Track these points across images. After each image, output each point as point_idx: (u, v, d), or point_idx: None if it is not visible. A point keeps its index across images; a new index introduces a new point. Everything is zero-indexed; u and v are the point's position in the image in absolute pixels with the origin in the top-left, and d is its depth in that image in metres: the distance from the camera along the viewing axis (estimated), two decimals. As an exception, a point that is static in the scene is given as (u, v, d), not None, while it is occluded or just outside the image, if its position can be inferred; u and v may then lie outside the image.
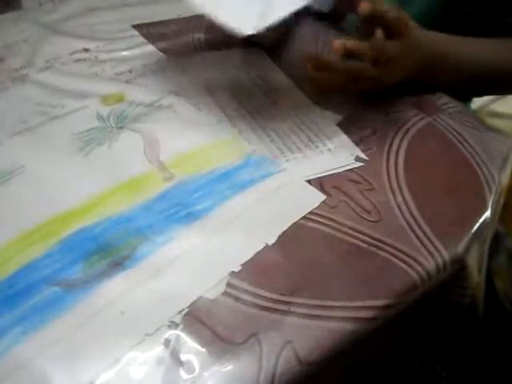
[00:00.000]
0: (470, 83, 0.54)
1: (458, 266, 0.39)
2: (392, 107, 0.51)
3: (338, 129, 0.48)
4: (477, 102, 0.90)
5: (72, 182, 0.42)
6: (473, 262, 0.40)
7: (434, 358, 0.44)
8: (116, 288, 0.33)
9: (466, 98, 0.70)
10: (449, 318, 0.43)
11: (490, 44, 0.54)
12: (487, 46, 0.54)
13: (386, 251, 0.37)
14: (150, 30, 0.64)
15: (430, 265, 0.37)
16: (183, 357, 0.31)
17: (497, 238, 0.79)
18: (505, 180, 0.47)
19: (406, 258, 0.37)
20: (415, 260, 0.37)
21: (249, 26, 0.41)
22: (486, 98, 0.89)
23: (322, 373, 0.32)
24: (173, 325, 0.32)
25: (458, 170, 0.45)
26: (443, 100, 0.53)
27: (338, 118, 0.50)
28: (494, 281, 0.84)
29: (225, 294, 0.34)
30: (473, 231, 0.40)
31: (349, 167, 0.44)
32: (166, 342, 0.31)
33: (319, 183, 0.42)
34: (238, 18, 0.42)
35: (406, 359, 0.43)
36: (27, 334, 0.31)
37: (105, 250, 0.36)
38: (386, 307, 0.34)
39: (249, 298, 0.34)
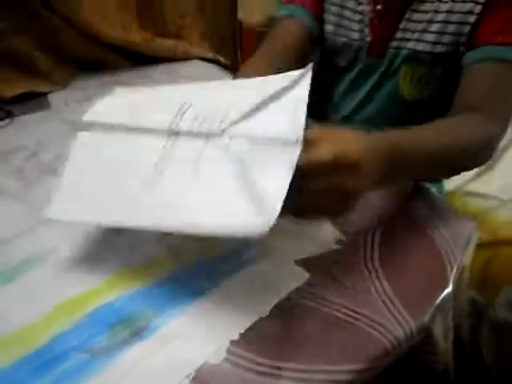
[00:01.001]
0: (432, 169, 0.57)
1: (425, 334, 0.45)
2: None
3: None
4: (454, 182, 0.98)
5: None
6: (438, 330, 0.47)
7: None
8: (136, 355, 0.40)
9: (434, 180, 0.79)
10: (424, 381, 0.49)
11: (442, 127, 0.57)
12: (438, 130, 0.56)
13: (361, 321, 0.44)
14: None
15: (399, 333, 0.43)
16: None
17: (478, 310, 0.85)
18: (467, 258, 0.54)
19: (378, 327, 0.44)
20: (386, 329, 0.44)
21: (262, 221, 0.38)
22: (462, 179, 0.98)
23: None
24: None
25: (425, 251, 0.52)
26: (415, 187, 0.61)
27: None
28: (482, 350, 0.89)
29: (225, 359, 0.41)
30: (436, 304, 0.47)
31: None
32: None
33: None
34: (239, 221, 0.40)
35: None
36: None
37: (125, 322, 0.43)
38: (362, 371, 0.41)
39: (245, 363, 0.40)
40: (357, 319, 0.44)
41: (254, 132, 0.44)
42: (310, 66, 0.46)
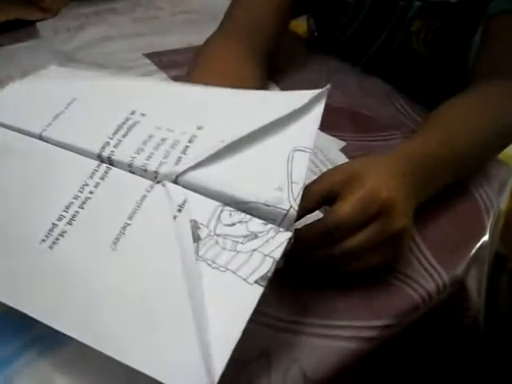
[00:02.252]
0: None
1: (458, 287, 0.40)
2: (392, 135, 0.54)
3: (342, 155, 0.51)
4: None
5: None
6: (472, 283, 0.42)
7: (438, 376, 0.46)
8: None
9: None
10: (452, 337, 0.45)
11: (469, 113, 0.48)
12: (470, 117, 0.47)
13: (388, 273, 0.39)
14: (162, 59, 0.67)
15: (431, 286, 0.39)
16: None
17: (499, 261, 0.81)
18: (503, 204, 0.49)
19: (407, 280, 0.39)
20: (416, 282, 0.39)
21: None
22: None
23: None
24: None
25: (458, 196, 0.47)
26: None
27: (342, 144, 0.52)
28: (498, 302, 0.85)
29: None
30: (471, 254, 0.42)
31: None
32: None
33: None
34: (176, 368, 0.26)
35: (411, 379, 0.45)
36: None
37: None
38: (387, 327, 0.36)
39: (258, 317, 0.36)
40: (384, 273, 0.39)
41: (228, 188, 0.31)
42: (327, 88, 0.35)
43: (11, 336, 0.34)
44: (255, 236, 0.30)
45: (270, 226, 0.30)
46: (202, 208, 0.31)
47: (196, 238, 0.29)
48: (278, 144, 0.33)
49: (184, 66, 0.65)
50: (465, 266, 0.41)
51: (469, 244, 0.42)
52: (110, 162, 0.33)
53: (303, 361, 0.33)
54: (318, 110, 0.34)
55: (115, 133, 0.34)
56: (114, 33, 0.74)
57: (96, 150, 0.33)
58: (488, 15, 0.53)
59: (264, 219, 0.30)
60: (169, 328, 0.27)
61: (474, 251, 0.42)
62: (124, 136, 0.34)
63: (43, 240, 0.31)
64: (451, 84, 0.57)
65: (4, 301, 0.29)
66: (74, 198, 0.32)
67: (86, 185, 0.32)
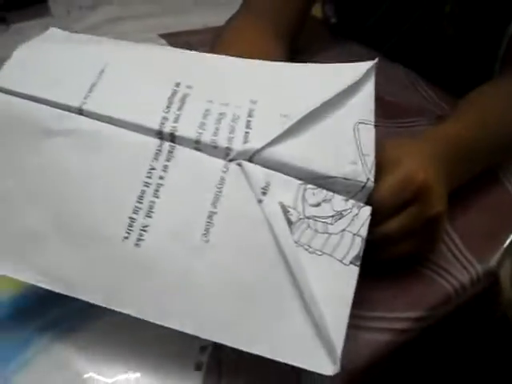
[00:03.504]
0: None
1: (492, 280, 0.39)
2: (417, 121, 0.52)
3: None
4: None
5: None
6: (505, 276, 0.40)
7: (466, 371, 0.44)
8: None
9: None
10: (482, 331, 0.43)
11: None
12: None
13: (420, 265, 0.37)
14: (176, 40, 0.65)
15: (465, 278, 0.37)
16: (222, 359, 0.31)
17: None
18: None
19: (440, 271, 0.37)
20: (449, 273, 0.37)
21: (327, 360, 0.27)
22: None
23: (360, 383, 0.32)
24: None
25: (490, 188, 0.45)
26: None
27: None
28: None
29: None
30: (505, 246, 0.40)
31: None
32: (203, 349, 0.31)
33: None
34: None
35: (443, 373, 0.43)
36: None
37: None
38: (420, 319, 0.34)
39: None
40: (417, 263, 0.37)
41: (309, 164, 0.30)
42: (376, 61, 0.35)
43: (27, 320, 0.32)
44: (341, 215, 0.30)
45: (351, 202, 0.30)
46: (285, 188, 0.29)
47: (289, 223, 0.28)
48: (342, 118, 0.32)
49: (200, 47, 0.63)
50: (498, 257, 0.39)
51: (501, 235, 0.41)
52: (172, 139, 0.30)
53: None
54: (371, 83, 0.34)
55: (168, 106, 0.31)
56: (128, 13, 0.72)
57: (155, 125, 0.30)
58: None
59: (342, 193, 0.30)
60: (280, 316, 0.27)
61: (507, 243, 0.40)
62: (179, 109, 0.31)
63: (126, 237, 0.28)
64: (478, 72, 0.55)
65: (95, 301, 0.28)
66: (145, 186, 0.29)
67: (153, 169, 0.29)
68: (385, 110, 0.52)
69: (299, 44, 0.60)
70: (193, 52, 0.36)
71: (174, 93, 0.32)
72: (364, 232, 0.29)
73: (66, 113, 0.30)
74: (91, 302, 0.28)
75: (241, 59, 0.36)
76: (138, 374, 0.30)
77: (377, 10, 0.66)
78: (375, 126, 0.49)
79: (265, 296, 0.28)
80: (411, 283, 0.36)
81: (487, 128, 0.42)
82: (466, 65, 0.62)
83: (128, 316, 0.27)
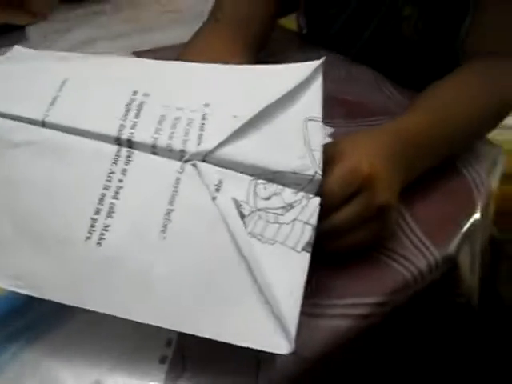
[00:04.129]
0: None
1: (450, 266, 0.40)
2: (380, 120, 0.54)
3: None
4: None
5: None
6: (465, 262, 0.42)
7: (433, 358, 0.45)
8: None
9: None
10: (447, 317, 0.44)
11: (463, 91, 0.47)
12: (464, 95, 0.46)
13: (378, 252, 0.39)
14: (150, 57, 0.67)
15: (422, 264, 0.38)
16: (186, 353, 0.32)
17: (497, 246, 0.81)
18: (494, 184, 0.48)
19: (397, 258, 0.38)
20: (407, 259, 0.38)
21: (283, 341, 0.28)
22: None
23: (321, 370, 0.33)
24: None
25: (447, 174, 0.46)
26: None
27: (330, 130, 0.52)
28: (499, 288, 0.85)
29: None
30: (463, 231, 0.41)
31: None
32: (168, 342, 0.33)
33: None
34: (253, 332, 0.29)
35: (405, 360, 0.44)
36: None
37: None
38: (379, 304, 0.36)
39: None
40: (374, 250, 0.39)
41: (259, 161, 0.32)
42: (323, 59, 0.36)
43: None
44: (292, 206, 0.32)
45: (301, 194, 0.32)
46: (237, 185, 0.31)
47: (241, 216, 0.30)
48: (291, 116, 0.34)
49: (172, 62, 0.66)
50: (457, 243, 0.40)
51: (460, 221, 0.42)
52: (130, 144, 0.32)
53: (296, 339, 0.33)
54: (319, 81, 0.36)
55: (126, 114, 0.33)
56: (103, 33, 0.74)
57: (113, 133, 0.32)
58: None
59: (292, 186, 0.32)
60: (237, 303, 0.29)
61: (465, 228, 0.41)
62: (136, 117, 0.33)
63: (88, 237, 0.30)
64: (441, 72, 0.57)
65: (63, 300, 0.29)
66: (105, 189, 0.31)
67: (113, 172, 0.31)
68: (348, 109, 0.55)
69: (270, 52, 0.62)
70: (151, 60, 0.38)
71: (132, 101, 0.34)
72: (314, 220, 0.31)
73: (28, 125, 0.33)
74: (59, 301, 0.29)
75: (196, 64, 0.38)
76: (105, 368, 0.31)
77: (339, 17, 0.68)
78: (337, 126, 0.52)
79: (222, 285, 0.30)
80: (368, 270, 0.37)
81: (445, 120, 0.43)
82: (428, 64, 0.64)
83: (97, 313, 0.29)
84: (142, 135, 0.32)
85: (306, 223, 0.31)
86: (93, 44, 0.70)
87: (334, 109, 0.55)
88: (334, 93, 0.57)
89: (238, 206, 0.31)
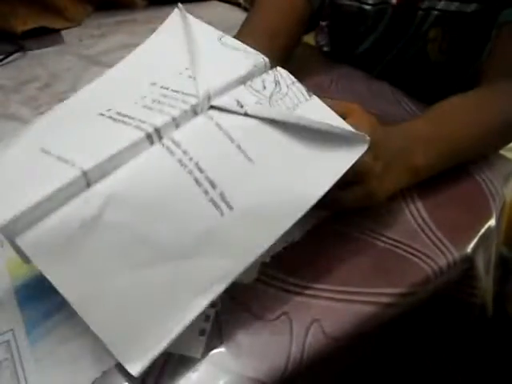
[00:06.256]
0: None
1: (467, 265, 0.42)
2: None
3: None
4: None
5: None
6: (480, 263, 0.44)
7: (447, 358, 0.47)
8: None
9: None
10: (461, 318, 0.46)
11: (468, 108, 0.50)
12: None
13: (400, 248, 0.41)
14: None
15: (442, 261, 0.41)
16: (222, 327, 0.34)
17: (505, 264, 0.82)
18: (508, 195, 0.51)
19: (420, 255, 0.41)
20: (428, 257, 0.41)
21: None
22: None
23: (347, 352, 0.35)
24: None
25: (466, 184, 0.49)
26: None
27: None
28: (506, 305, 0.86)
29: (257, 280, 0.38)
30: (479, 235, 0.44)
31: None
32: (207, 318, 0.35)
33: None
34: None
35: (421, 359, 0.46)
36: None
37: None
38: (402, 295, 0.38)
39: (278, 283, 0.38)
40: (396, 246, 0.41)
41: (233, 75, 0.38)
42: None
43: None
44: (277, 82, 0.39)
45: (270, 72, 0.40)
46: (245, 96, 0.37)
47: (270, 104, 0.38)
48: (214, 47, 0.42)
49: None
50: (473, 244, 0.43)
51: (477, 225, 0.44)
52: (158, 133, 0.33)
53: (322, 320, 0.35)
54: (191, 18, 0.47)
55: (131, 117, 0.34)
56: (135, 40, 0.78)
57: (140, 135, 0.32)
58: (499, 23, 0.56)
59: (262, 73, 0.40)
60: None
61: (481, 232, 0.44)
62: (142, 112, 0.34)
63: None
64: (460, 90, 0.60)
65: None
66: (195, 181, 0.32)
67: (180, 161, 0.33)
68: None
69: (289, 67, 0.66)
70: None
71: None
72: (292, 77, 0.40)
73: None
74: None
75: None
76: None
77: (367, 36, 0.72)
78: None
79: None
80: (391, 263, 0.40)
81: (445, 120, 0.47)
82: (451, 87, 0.67)
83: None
84: (157, 120, 0.33)
85: (292, 83, 0.39)
86: (126, 49, 0.73)
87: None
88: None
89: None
